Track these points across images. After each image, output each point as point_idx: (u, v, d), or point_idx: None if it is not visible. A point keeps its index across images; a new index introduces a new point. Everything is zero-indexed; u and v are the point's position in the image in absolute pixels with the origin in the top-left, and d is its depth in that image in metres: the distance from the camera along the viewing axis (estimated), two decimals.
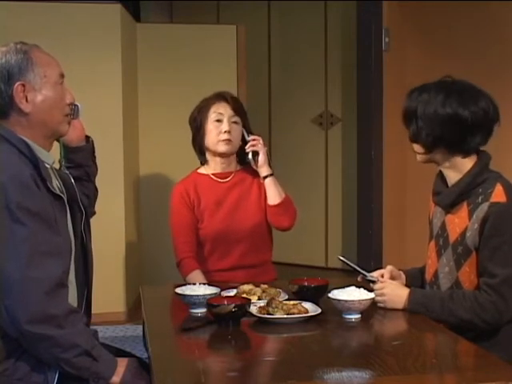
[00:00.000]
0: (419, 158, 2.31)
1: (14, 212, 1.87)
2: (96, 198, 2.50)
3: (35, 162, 1.98)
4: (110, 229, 4.39)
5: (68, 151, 2.38)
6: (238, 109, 2.97)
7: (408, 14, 5.03)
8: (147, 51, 4.93)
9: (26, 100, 2.01)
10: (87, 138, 2.44)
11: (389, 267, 2.41)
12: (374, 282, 2.31)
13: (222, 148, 2.95)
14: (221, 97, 2.97)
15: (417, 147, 2.28)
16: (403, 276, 2.43)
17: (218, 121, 2.93)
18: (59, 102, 2.07)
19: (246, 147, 2.96)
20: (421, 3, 4.90)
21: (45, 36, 4.17)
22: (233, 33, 5.06)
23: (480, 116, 2.19)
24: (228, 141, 2.93)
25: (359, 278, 2.37)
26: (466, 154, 2.23)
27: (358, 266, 2.36)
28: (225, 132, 2.92)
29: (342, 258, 2.37)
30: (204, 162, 3.04)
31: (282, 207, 2.95)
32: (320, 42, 6.02)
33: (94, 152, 2.47)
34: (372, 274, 2.36)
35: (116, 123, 4.44)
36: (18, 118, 2.02)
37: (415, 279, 2.44)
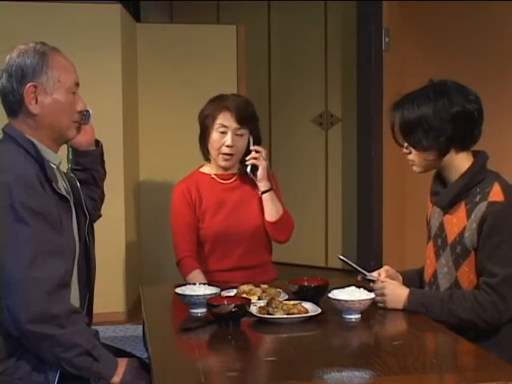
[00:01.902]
0: (421, 166, 2.29)
1: (18, 211, 1.87)
2: (102, 201, 2.50)
3: (41, 162, 1.98)
4: (110, 229, 4.38)
5: (76, 154, 2.38)
6: (244, 119, 2.90)
7: (408, 14, 5.03)
8: (147, 51, 4.93)
9: (36, 101, 2.01)
10: (97, 142, 2.44)
11: (385, 267, 2.40)
12: (373, 281, 2.31)
13: (222, 162, 2.93)
14: (226, 108, 2.89)
15: (426, 155, 2.25)
16: (400, 278, 2.43)
17: (222, 133, 2.89)
18: (69, 108, 2.07)
19: (247, 158, 2.92)
20: (421, 3, 4.90)
21: (45, 36, 4.14)
22: (233, 33, 5.06)
23: (480, 106, 2.24)
24: (229, 155, 2.90)
25: (359, 278, 2.37)
26: (471, 146, 2.25)
27: (358, 266, 2.36)
28: (227, 146, 2.89)
29: (342, 257, 2.37)
30: (207, 160, 3.02)
31: (279, 224, 2.93)
32: (320, 41, 6.02)
33: (102, 157, 2.46)
34: (372, 273, 2.36)
35: (116, 123, 4.44)
36: (27, 117, 2.03)
37: (413, 281, 2.44)
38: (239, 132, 2.90)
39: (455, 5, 4.71)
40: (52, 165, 2.06)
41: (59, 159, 2.12)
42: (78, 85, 2.10)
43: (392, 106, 2.31)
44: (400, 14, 5.02)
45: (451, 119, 2.19)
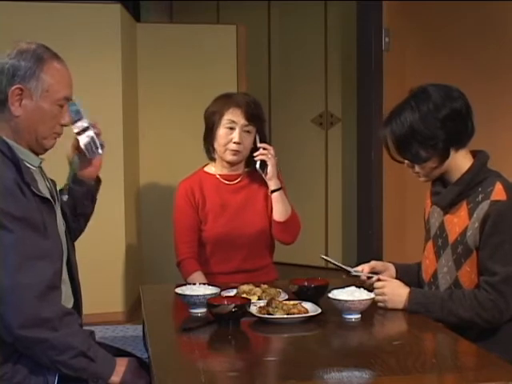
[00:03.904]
0: (428, 175, 2.27)
1: None
2: (79, 234, 2.37)
3: (17, 164, 1.95)
4: (110, 229, 4.39)
5: (72, 179, 2.32)
6: (252, 117, 2.89)
7: (408, 14, 5.03)
8: (147, 51, 4.93)
9: (20, 104, 2.00)
10: (97, 178, 2.37)
11: (371, 262, 2.41)
12: (358, 276, 2.33)
13: (229, 157, 2.91)
14: (236, 104, 2.88)
15: (428, 164, 2.23)
16: (392, 268, 2.43)
17: (230, 128, 2.88)
18: (51, 119, 2.04)
19: (255, 154, 2.89)
20: (421, 3, 4.90)
21: (45, 36, 4.15)
22: (233, 33, 5.06)
23: (465, 100, 2.24)
24: (236, 151, 2.89)
25: (344, 276, 2.38)
26: (468, 142, 2.24)
27: (342, 264, 2.38)
28: (234, 143, 2.88)
29: (324, 256, 2.39)
30: (212, 159, 3.01)
31: (287, 224, 2.91)
32: (320, 42, 6.02)
33: (95, 193, 2.38)
34: (356, 268, 2.37)
35: (116, 123, 4.43)
36: (8, 117, 2.01)
37: (411, 275, 2.43)
38: (246, 129, 2.89)
39: (455, 5, 4.71)
40: (29, 165, 2.04)
41: (39, 161, 2.09)
42: (68, 99, 2.08)
43: (382, 126, 2.30)
44: (400, 14, 5.02)
45: (442, 123, 2.18)
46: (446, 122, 2.18)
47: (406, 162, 2.28)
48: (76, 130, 2.25)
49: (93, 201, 2.37)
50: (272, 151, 2.90)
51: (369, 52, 4.95)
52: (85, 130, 2.25)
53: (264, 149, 2.89)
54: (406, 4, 4.98)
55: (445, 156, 2.22)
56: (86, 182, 2.32)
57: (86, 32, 4.38)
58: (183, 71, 4.97)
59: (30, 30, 4.19)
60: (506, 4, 4.47)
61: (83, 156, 2.27)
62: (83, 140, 2.26)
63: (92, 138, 2.26)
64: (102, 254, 4.34)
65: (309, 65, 6.06)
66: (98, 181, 2.38)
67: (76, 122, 2.23)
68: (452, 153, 2.23)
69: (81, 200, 2.32)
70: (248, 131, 2.90)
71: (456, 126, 2.20)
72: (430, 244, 2.37)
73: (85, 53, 4.31)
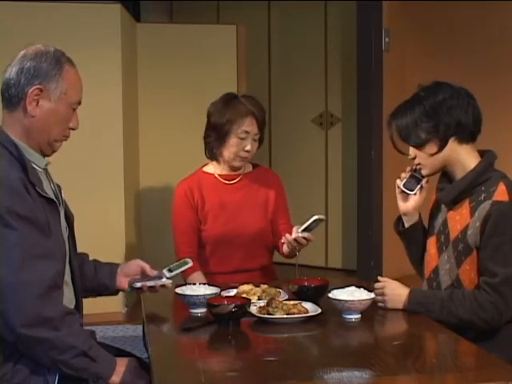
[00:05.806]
0: (429, 166, 2.29)
1: (3, 217, 1.87)
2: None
3: (23, 164, 1.96)
4: (110, 229, 4.39)
5: (112, 267, 2.37)
6: (262, 124, 2.94)
7: (408, 14, 5.04)
8: (147, 51, 4.93)
9: (37, 104, 2.01)
10: (116, 292, 2.39)
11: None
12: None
13: (238, 164, 2.95)
14: (252, 115, 2.89)
15: (428, 150, 2.25)
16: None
17: (242, 138, 2.90)
18: (64, 121, 2.06)
19: (290, 238, 2.69)
20: (421, 3, 4.91)
21: (45, 36, 4.16)
22: (233, 33, 5.06)
23: (475, 102, 2.27)
24: (246, 158, 2.94)
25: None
26: (472, 138, 2.26)
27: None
28: (246, 151, 2.90)
29: None
30: (212, 159, 3.02)
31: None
32: (320, 42, 6.01)
33: (99, 293, 2.39)
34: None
35: (116, 123, 4.43)
36: (22, 116, 2.02)
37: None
38: (256, 137, 2.93)
39: (455, 5, 4.71)
40: (36, 167, 2.04)
41: (45, 162, 2.10)
42: (80, 103, 2.10)
43: (388, 119, 2.33)
44: (400, 14, 5.02)
45: (448, 109, 2.21)
46: (451, 109, 2.21)
47: (410, 151, 2.30)
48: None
49: (91, 294, 2.38)
50: (307, 240, 2.69)
51: (369, 52, 4.95)
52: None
53: (297, 241, 2.69)
54: (405, 4, 4.99)
55: (443, 140, 2.22)
56: (105, 276, 2.35)
57: (86, 32, 4.37)
58: (183, 71, 4.96)
59: (30, 29, 4.18)
60: (506, 4, 4.47)
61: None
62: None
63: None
64: (102, 253, 4.30)
65: (309, 65, 6.06)
66: (114, 291, 2.39)
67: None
68: (451, 142, 2.23)
69: (91, 277, 2.33)
70: (255, 139, 2.93)
71: (460, 115, 2.22)
72: (432, 239, 2.38)
73: (85, 53, 4.30)
